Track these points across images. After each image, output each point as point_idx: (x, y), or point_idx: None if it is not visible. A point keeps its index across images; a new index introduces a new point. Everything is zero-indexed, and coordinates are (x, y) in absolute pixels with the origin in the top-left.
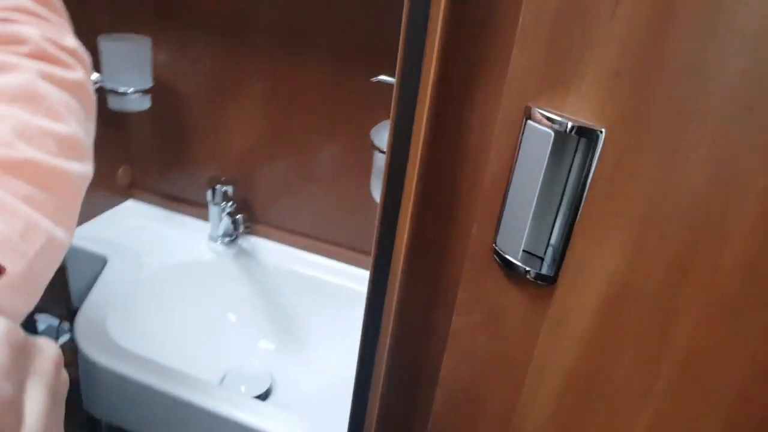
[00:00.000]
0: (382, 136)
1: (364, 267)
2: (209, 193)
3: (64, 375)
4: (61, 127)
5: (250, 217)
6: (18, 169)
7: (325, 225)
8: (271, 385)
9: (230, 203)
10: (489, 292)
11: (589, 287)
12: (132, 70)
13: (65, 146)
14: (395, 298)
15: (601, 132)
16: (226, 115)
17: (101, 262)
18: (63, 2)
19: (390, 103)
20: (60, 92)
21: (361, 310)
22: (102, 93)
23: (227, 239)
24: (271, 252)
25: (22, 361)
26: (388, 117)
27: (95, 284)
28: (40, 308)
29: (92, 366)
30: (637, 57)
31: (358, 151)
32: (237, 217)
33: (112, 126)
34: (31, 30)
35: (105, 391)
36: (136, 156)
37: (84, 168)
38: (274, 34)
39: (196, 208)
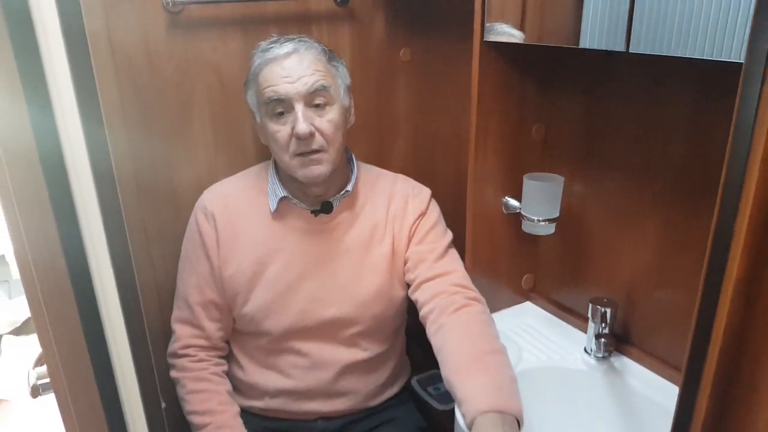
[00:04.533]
0: None
1: None
2: (590, 309)
3: None
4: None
5: (625, 338)
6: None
7: None
8: None
9: (603, 325)
10: None
11: None
12: (544, 203)
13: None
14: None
15: None
16: (619, 243)
17: None
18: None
19: None
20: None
21: None
22: (519, 217)
23: (600, 355)
24: (640, 378)
25: None
26: None
27: None
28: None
29: None
30: None
31: None
32: (601, 340)
33: (524, 242)
34: (472, 294)
35: None
36: (539, 267)
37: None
38: (675, 177)
39: (579, 320)
